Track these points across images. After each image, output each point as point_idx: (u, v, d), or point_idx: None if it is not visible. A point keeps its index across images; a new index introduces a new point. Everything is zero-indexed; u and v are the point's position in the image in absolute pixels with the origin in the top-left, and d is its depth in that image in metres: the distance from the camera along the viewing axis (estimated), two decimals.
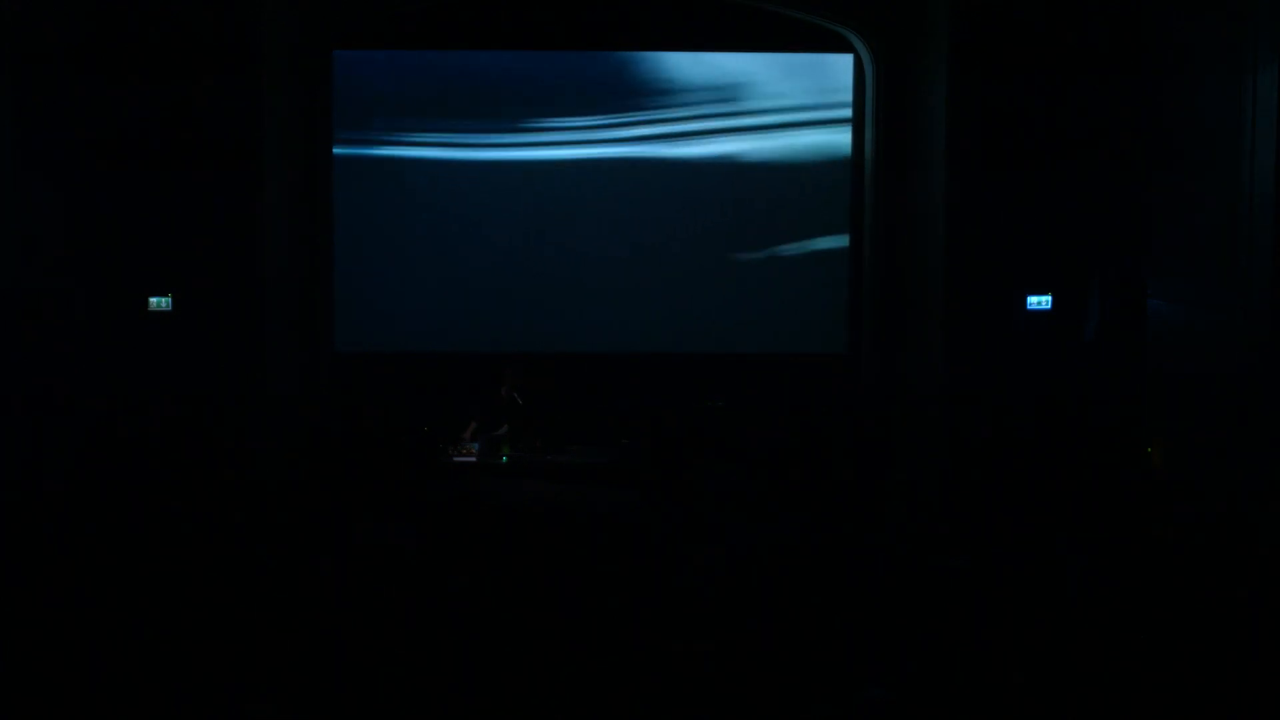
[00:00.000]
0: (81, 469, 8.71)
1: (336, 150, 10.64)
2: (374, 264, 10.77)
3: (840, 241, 10.92)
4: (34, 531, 7.52)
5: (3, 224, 8.18)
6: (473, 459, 9.29)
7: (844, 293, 10.93)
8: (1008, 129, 9.34)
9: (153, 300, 9.18)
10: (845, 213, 10.89)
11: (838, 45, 10.72)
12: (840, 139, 10.86)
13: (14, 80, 8.31)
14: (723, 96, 10.82)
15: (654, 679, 4.81)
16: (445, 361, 10.66)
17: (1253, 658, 4.98)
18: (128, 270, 9.15)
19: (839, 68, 10.82)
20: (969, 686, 4.76)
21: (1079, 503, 8.59)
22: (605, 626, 5.30)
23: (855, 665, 4.94)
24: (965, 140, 9.40)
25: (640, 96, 10.83)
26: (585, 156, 10.83)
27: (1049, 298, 9.46)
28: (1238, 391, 7.87)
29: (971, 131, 9.38)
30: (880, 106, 10.50)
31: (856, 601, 5.73)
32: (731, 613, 5.59)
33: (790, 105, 10.84)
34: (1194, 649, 5.04)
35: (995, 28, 9.31)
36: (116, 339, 9.12)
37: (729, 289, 10.90)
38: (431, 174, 10.79)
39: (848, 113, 10.82)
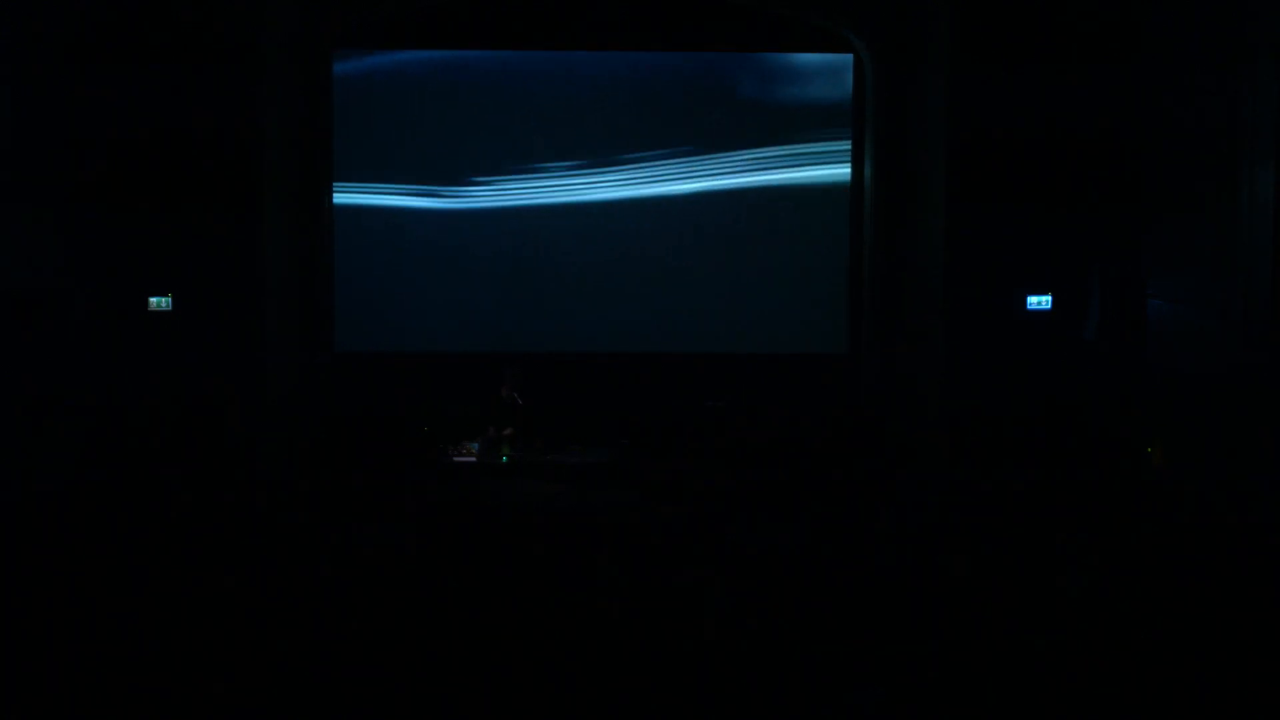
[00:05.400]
0: (81, 469, 8.71)
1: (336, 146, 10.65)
2: (374, 264, 10.78)
3: (840, 241, 10.92)
4: (34, 531, 7.52)
5: (3, 225, 8.19)
6: (473, 459, 9.29)
7: (844, 292, 10.93)
8: (1008, 128, 9.35)
9: (153, 300, 9.18)
10: (846, 213, 10.88)
11: (838, 45, 10.72)
12: (841, 137, 10.87)
13: (11, 79, 8.32)
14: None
15: (654, 679, 4.81)
16: (445, 361, 10.66)
17: (1253, 658, 4.98)
18: (128, 270, 9.15)
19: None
20: (969, 686, 4.76)
21: (1079, 503, 8.59)
22: (605, 627, 5.30)
23: (855, 665, 4.94)
24: (965, 139, 9.40)
25: (643, 102, 10.86)
26: (586, 156, 10.84)
27: (1049, 298, 9.46)
28: (1238, 391, 7.87)
29: (972, 130, 9.38)
30: (880, 106, 10.50)
31: (856, 601, 5.72)
32: (731, 613, 5.59)
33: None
34: (1194, 649, 5.04)
35: (995, 27, 9.32)
36: (116, 339, 9.12)
37: (729, 289, 10.90)
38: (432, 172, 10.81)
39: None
